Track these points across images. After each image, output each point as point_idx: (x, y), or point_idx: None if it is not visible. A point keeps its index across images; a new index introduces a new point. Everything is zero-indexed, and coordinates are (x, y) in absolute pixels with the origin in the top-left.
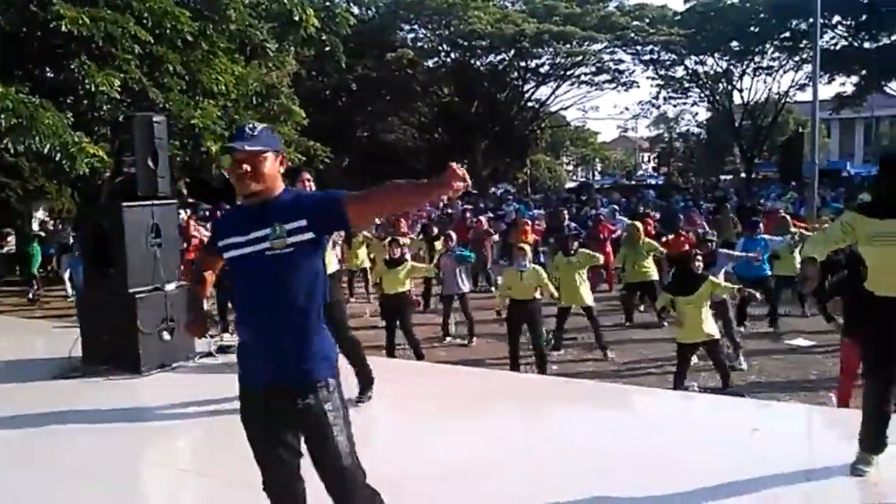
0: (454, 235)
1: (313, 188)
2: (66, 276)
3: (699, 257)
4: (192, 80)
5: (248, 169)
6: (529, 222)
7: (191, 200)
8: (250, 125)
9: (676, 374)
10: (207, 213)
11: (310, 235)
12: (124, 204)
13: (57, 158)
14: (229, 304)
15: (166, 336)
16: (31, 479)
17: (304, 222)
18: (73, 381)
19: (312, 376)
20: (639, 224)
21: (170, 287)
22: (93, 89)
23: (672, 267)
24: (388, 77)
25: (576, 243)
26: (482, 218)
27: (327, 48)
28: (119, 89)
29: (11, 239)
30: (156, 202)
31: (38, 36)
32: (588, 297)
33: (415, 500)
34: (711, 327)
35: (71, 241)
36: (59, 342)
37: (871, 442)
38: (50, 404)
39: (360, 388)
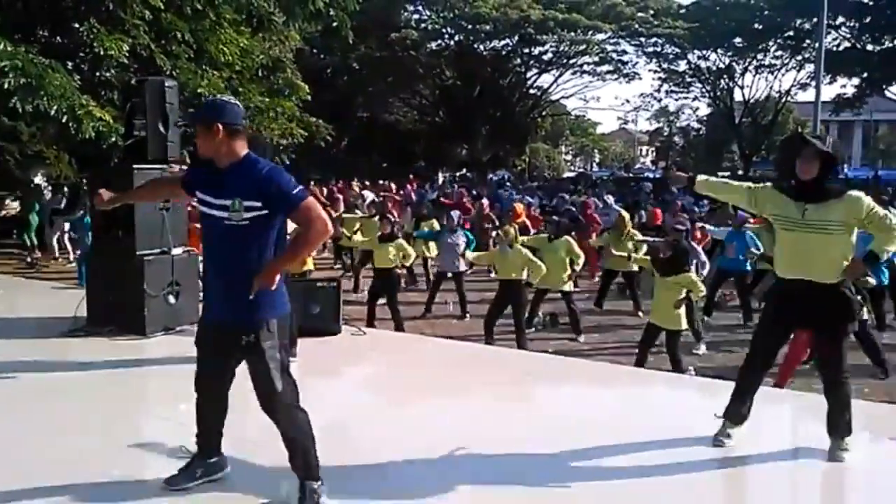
0: (455, 214)
1: None
2: (55, 239)
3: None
4: (199, 50)
5: (197, 141)
6: (521, 206)
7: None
8: (207, 98)
9: (640, 346)
10: None
11: (264, 213)
12: (135, 167)
13: (64, 121)
14: None
15: (172, 300)
16: (32, 429)
17: (259, 203)
18: (79, 339)
19: (256, 319)
20: (626, 215)
21: (176, 251)
22: (101, 53)
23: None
24: (391, 58)
25: (565, 234)
26: (484, 201)
27: (335, 24)
28: (127, 54)
29: (14, 204)
30: (165, 166)
31: None
32: (567, 282)
33: (398, 473)
34: (679, 318)
35: (62, 205)
36: (63, 302)
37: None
38: (56, 360)
39: None
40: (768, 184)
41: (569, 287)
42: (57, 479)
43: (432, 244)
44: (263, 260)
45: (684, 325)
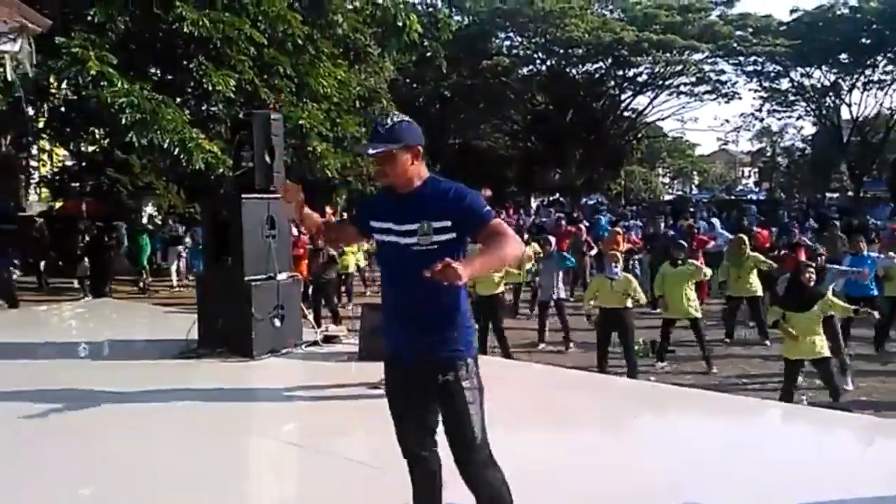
0: (553, 240)
1: None
2: (174, 267)
3: (810, 270)
4: (300, 83)
5: (378, 167)
6: (622, 232)
7: None
8: (382, 123)
9: (783, 390)
10: None
11: (453, 235)
12: (243, 196)
13: (175, 153)
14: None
15: (277, 323)
16: (148, 445)
17: (448, 223)
18: (192, 361)
19: (453, 356)
20: (744, 237)
21: (281, 277)
22: (210, 89)
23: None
24: (483, 84)
25: (682, 253)
26: (581, 226)
27: (428, 54)
28: (233, 89)
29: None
30: (271, 196)
31: (160, 38)
32: (695, 309)
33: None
34: (822, 345)
35: (180, 234)
36: (175, 325)
37: None
38: (172, 381)
39: None
40: None
41: (697, 314)
42: (172, 499)
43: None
44: (454, 290)
45: (827, 352)
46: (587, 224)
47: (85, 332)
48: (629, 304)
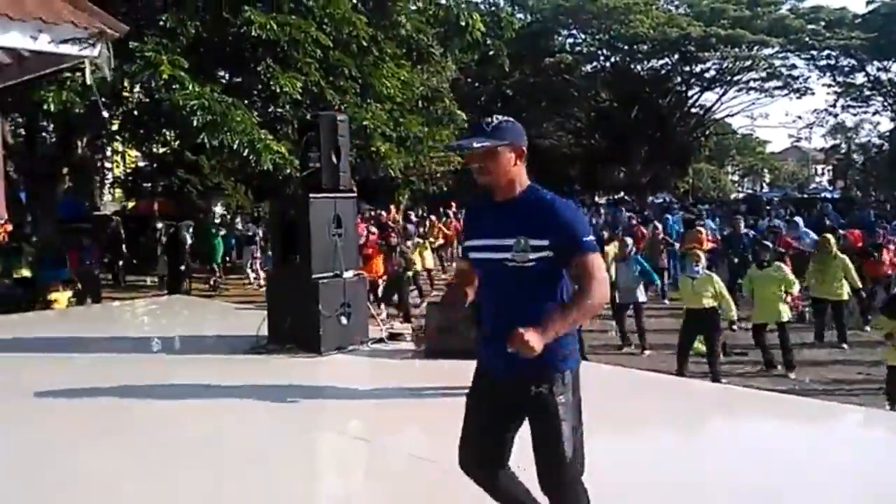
0: (630, 241)
1: None
2: (249, 266)
3: None
4: (364, 84)
5: (477, 165)
6: (703, 230)
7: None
8: (487, 120)
9: (890, 399)
10: (372, 214)
11: (550, 254)
12: (311, 196)
13: (244, 154)
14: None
15: (343, 320)
16: (222, 436)
17: (546, 242)
18: (262, 357)
19: (548, 368)
20: (829, 237)
21: (347, 275)
22: (277, 91)
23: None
24: (545, 82)
25: (768, 254)
26: (658, 225)
27: (491, 52)
28: (300, 91)
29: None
30: (338, 195)
31: (229, 41)
32: (786, 312)
33: None
34: None
35: (253, 233)
36: (246, 322)
37: None
38: (242, 375)
39: None
40: None
41: (787, 316)
42: (240, 489)
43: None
44: (553, 303)
45: None
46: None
47: (159, 327)
48: (713, 303)
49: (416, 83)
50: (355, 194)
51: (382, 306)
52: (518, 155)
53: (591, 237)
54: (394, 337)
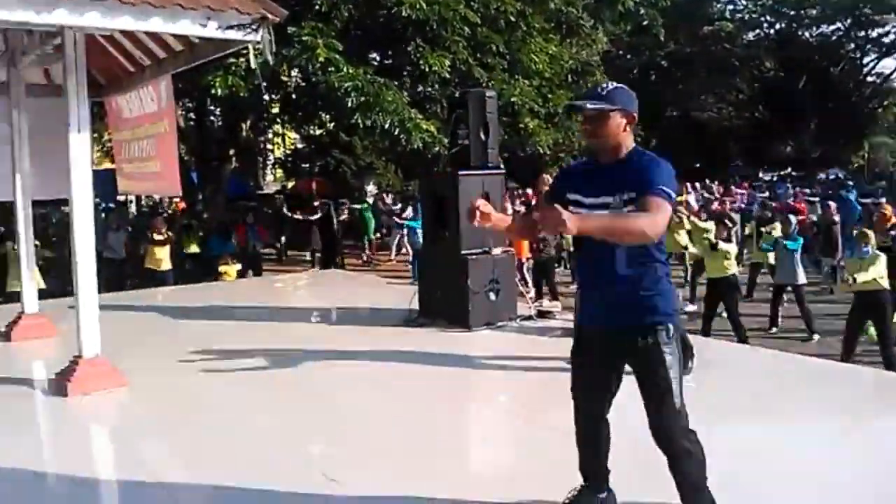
0: (793, 219)
1: None
2: (395, 242)
3: None
4: (512, 60)
5: (588, 127)
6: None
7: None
8: (603, 85)
9: None
10: (518, 192)
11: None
12: (459, 173)
13: (395, 133)
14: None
15: (492, 296)
16: (375, 406)
17: (634, 194)
18: (412, 329)
19: (654, 321)
20: None
21: (496, 251)
22: (426, 70)
23: None
24: (703, 52)
25: None
26: (831, 204)
27: (644, 22)
28: (448, 69)
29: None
30: (486, 172)
31: (380, 23)
32: None
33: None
34: None
35: (399, 210)
36: (398, 295)
37: None
38: (395, 347)
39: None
40: None
41: None
42: (390, 456)
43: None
44: (650, 260)
45: None
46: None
47: (317, 299)
48: (885, 284)
49: (565, 57)
50: (503, 171)
51: (530, 284)
52: (629, 121)
53: (670, 190)
54: (543, 314)
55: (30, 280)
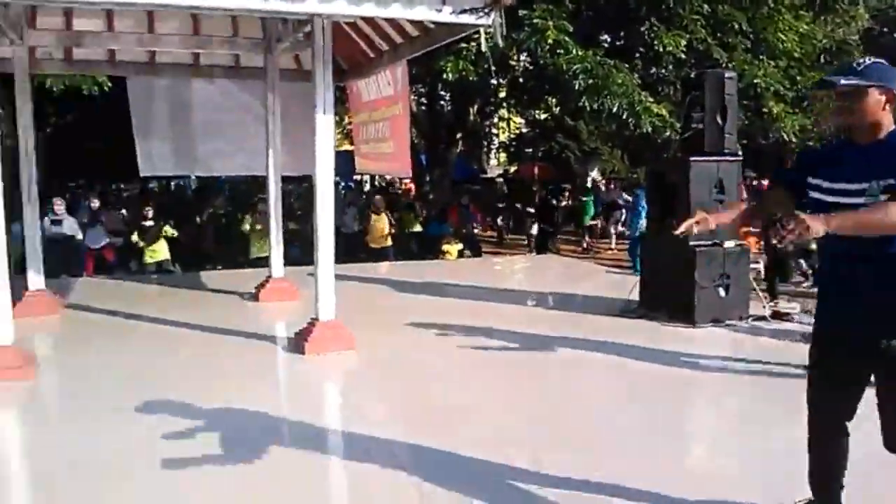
0: None
1: None
2: (613, 230)
3: None
4: (756, 39)
5: (841, 104)
6: None
7: None
8: (859, 60)
9: None
10: (753, 184)
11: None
12: (692, 158)
13: (623, 117)
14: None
15: (721, 292)
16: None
17: (892, 181)
18: (630, 321)
19: None
20: None
21: (728, 244)
22: (660, 51)
23: None
24: None
25: None
26: None
27: None
28: (684, 49)
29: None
30: (721, 158)
31: (612, 3)
32: None
33: None
34: None
35: (618, 198)
36: (616, 285)
37: None
38: (610, 336)
39: None
40: None
41: None
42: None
43: None
44: None
45: None
46: None
47: (533, 282)
48: None
49: (818, 35)
50: (740, 158)
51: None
52: (889, 99)
53: None
54: (778, 315)
55: (278, 246)
